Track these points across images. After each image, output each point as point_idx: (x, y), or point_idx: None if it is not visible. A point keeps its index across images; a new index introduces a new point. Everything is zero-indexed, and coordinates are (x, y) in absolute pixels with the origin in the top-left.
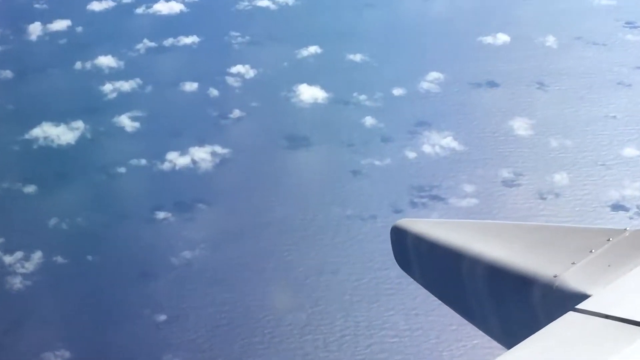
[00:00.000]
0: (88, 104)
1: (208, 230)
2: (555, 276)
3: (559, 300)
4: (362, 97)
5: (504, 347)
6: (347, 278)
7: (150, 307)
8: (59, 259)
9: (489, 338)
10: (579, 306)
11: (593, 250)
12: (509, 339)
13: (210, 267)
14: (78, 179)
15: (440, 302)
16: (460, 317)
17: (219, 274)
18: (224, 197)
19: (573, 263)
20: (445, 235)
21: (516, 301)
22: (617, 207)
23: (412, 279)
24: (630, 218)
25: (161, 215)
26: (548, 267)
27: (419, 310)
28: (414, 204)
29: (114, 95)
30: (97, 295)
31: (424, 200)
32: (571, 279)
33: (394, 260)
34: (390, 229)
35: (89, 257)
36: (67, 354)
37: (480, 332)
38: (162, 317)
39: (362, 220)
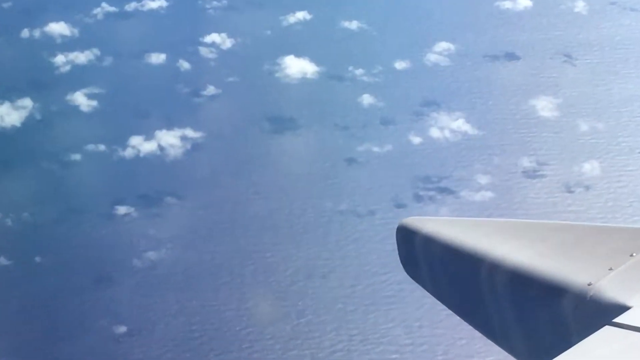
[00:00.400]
0: (37, 79)
1: (177, 227)
2: (589, 284)
3: (593, 313)
4: (359, 71)
5: None
6: (340, 284)
7: (108, 317)
8: (2, 260)
9: (508, 355)
10: (616, 319)
11: (634, 254)
12: (535, 358)
13: (179, 271)
14: (25, 168)
15: (450, 313)
16: (475, 331)
17: (190, 279)
18: (196, 189)
19: (610, 269)
20: (460, 235)
21: (544, 313)
22: None
23: (419, 286)
24: None
25: (122, 210)
26: (581, 274)
27: (423, 322)
28: (419, 198)
29: (68, 68)
30: (47, 302)
31: (431, 193)
32: (608, 287)
33: (397, 264)
34: (393, 228)
35: (37, 259)
36: None
37: (497, 349)
38: (122, 329)
39: (358, 216)
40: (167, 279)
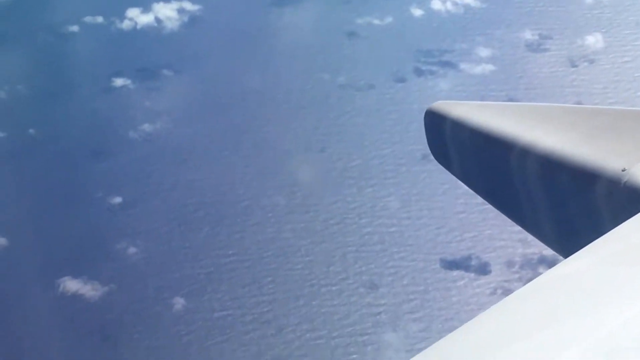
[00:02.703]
0: None
1: (174, 100)
2: (623, 170)
3: (628, 199)
4: None
5: (559, 255)
6: (338, 158)
7: (103, 188)
8: None
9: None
10: None
11: None
12: (567, 245)
13: (175, 143)
14: (20, 40)
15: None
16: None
17: (185, 152)
18: (194, 62)
19: None
20: (490, 120)
21: (576, 200)
22: None
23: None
24: None
25: (119, 82)
26: (615, 159)
27: (421, 196)
28: (419, 72)
29: None
30: (41, 174)
31: (432, 67)
32: None
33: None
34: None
35: (31, 131)
36: (2, 241)
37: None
38: (117, 200)
39: (357, 90)
40: (164, 151)
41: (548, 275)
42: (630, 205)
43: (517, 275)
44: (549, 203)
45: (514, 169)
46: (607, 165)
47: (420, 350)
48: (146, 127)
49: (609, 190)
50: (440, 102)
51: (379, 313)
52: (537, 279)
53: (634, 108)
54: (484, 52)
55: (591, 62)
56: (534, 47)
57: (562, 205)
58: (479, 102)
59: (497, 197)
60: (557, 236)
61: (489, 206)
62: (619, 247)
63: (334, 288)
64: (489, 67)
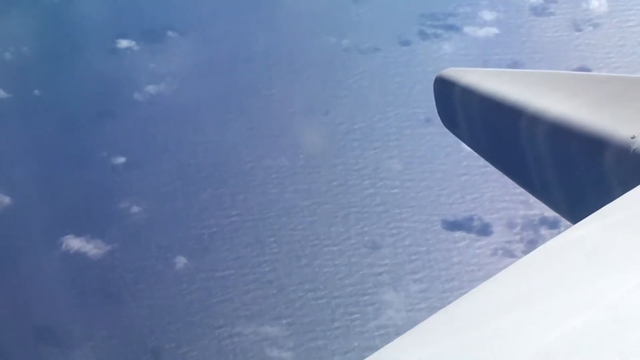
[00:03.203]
0: None
1: (178, 62)
2: (633, 137)
3: (637, 166)
4: None
5: (568, 221)
6: (342, 120)
7: (107, 148)
8: (1, 93)
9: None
10: None
11: None
12: (575, 212)
13: (179, 105)
14: (25, 1)
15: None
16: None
17: (189, 113)
18: (199, 24)
19: None
20: (500, 87)
21: (585, 167)
22: None
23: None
24: None
25: (124, 43)
26: (624, 126)
27: (424, 158)
28: (424, 35)
29: None
30: (45, 134)
31: (436, 30)
32: None
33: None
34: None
35: (36, 92)
36: (6, 200)
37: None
38: (121, 160)
39: (362, 53)
40: (168, 113)
41: (556, 242)
42: (639, 173)
43: (518, 237)
44: (558, 170)
45: (524, 136)
46: (616, 133)
47: (420, 310)
48: (150, 88)
49: (617, 158)
50: (450, 69)
51: (381, 273)
52: (544, 244)
53: None
54: (488, 15)
55: (595, 26)
56: (539, 11)
57: (571, 172)
58: (489, 69)
59: (507, 164)
60: (566, 203)
61: (491, 168)
62: (628, 214)
63: (335, 248)
64: (493, 31)
